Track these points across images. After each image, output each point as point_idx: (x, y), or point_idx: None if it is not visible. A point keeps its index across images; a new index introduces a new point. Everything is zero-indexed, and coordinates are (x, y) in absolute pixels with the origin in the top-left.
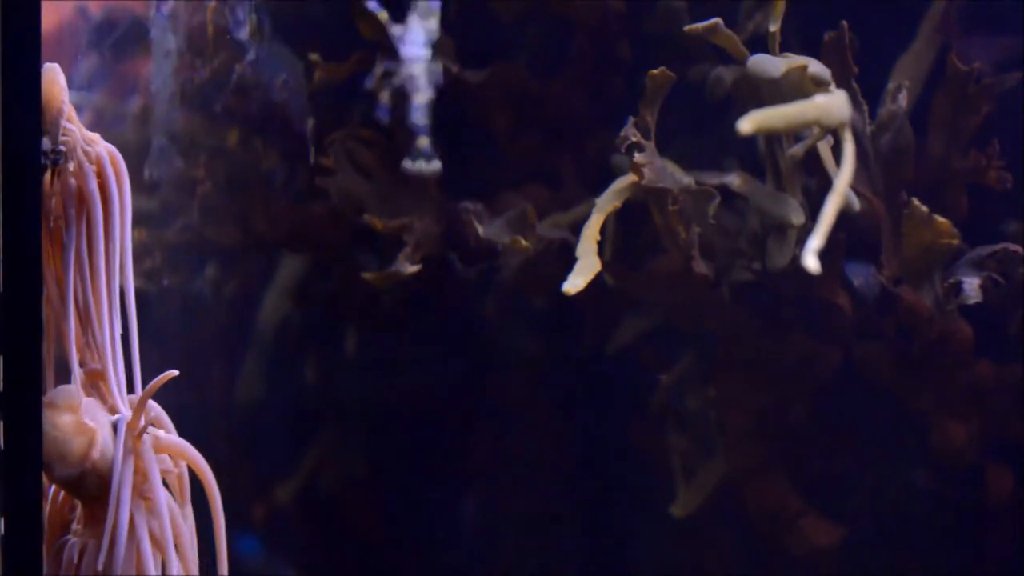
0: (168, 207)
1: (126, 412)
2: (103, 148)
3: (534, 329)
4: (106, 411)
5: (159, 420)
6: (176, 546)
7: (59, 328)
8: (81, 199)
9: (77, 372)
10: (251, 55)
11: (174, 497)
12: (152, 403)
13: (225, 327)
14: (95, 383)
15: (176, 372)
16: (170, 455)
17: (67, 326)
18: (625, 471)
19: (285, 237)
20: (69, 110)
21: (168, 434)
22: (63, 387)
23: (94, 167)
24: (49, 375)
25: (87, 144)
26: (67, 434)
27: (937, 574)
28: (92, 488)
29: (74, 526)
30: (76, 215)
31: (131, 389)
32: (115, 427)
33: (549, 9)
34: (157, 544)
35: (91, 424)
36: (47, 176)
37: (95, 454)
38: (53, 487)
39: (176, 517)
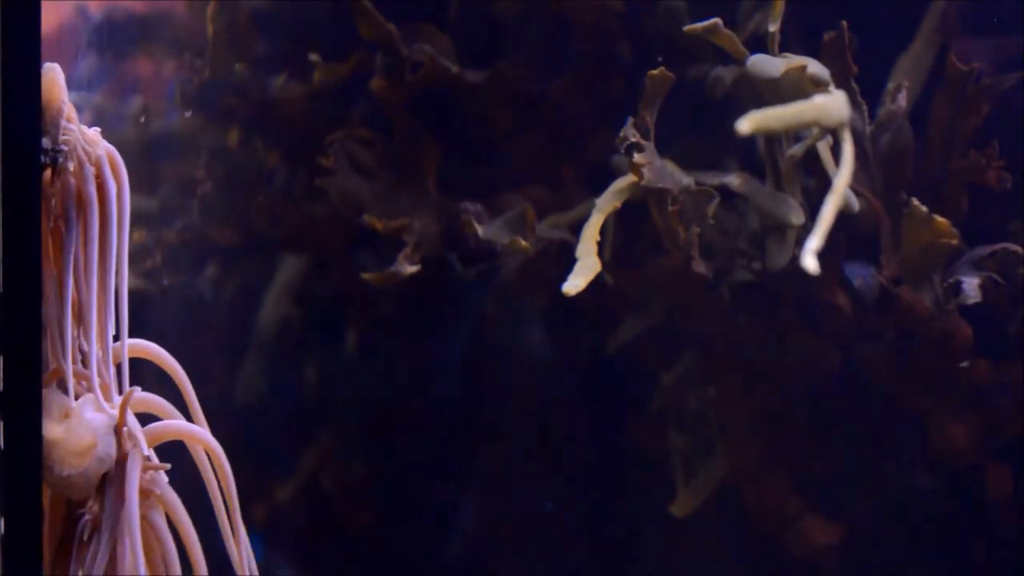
0: (168, 207)
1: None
2: (103, 149)
3: (534, 329)
4: (100, 414)
5: (162, 410)
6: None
7: (59, 329)
8: (81, 200)
9: (71, 375)
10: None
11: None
12: (153, 397)
13: (225, 327)
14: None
15: (138, 388)
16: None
17: (65, 327)
18: (625, 471)
19: (285, 237)
20: (69, 110)
21: (171, 421)
22: (54, 391)
23: (94, 169)
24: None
25: (88, 145)
26: (61, 439)
27: (937, 574)
28: (88, 491)
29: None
30: (76, 216)
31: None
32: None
33: (549, 9)
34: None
35: (87, 430)
36: (47, 176)
37: (93, 459)
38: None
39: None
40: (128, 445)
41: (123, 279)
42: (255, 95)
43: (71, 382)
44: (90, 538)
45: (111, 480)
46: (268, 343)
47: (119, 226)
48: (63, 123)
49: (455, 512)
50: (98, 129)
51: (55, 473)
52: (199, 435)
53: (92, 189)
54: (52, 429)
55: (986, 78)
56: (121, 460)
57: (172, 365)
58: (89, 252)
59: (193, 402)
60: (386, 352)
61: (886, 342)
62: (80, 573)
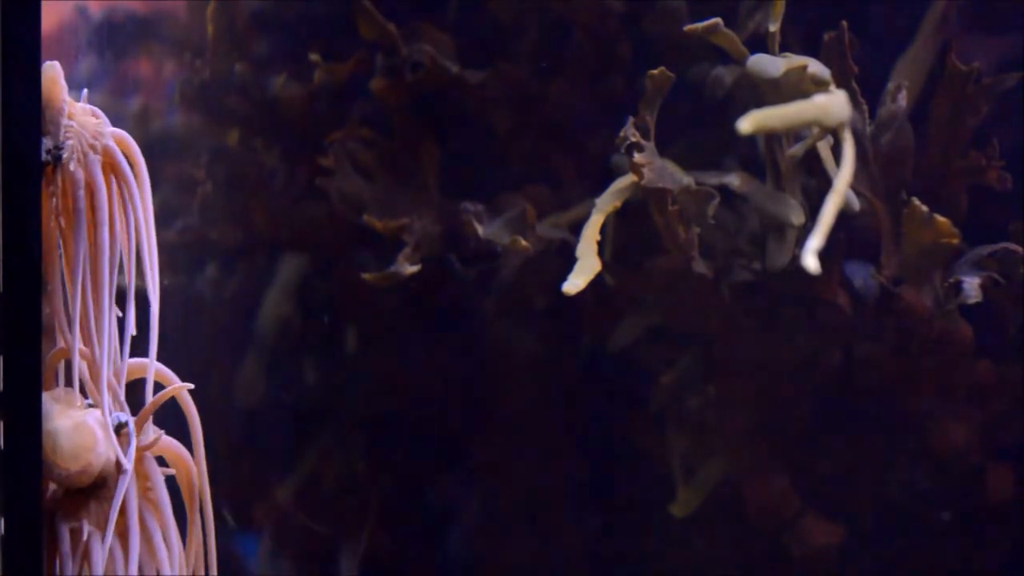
0: (168, 207)
1: (112, 414)
2: (109, 137)
3: (534, 329)
4: (99, 412)
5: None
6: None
7: (66, 324)
8: (90, 193)
9: (80, 373)
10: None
11: None
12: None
13: (225, 327)
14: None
15: (191, 386)
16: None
17: (73, 323)
18: (625, 471)
19: (285, 237)
20: (70, 107)
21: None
22: (62, 389)
23: (100, 157)
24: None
25: (93, 138)
26: (65, 435)
27: (937, 574)
28: (93, 485)
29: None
30: (86, 211)
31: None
32: (115, 430)
33: (549, 9)
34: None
35: (90, 428)
36: (50, 174)
37: (95, 457)
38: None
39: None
40: (129, 446)
41: (154, 260)
42: (255, 95)
43: (76, 375)
44: (89, 538)
45: (110, 480)
46: (268, 343)
47: (144, 207)
48: (64, 121)
49: (455, 512)
50: (100, 116)
51: (56, 471)
52: (186, 460)
53: (98, 174)
54: (56, 426)
55: (986, 78)
56: (141, 472)
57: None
58: (99, 245)
59: (196, 431)
60: (386, 352)
61: (886, 342)
62: (78, 573)
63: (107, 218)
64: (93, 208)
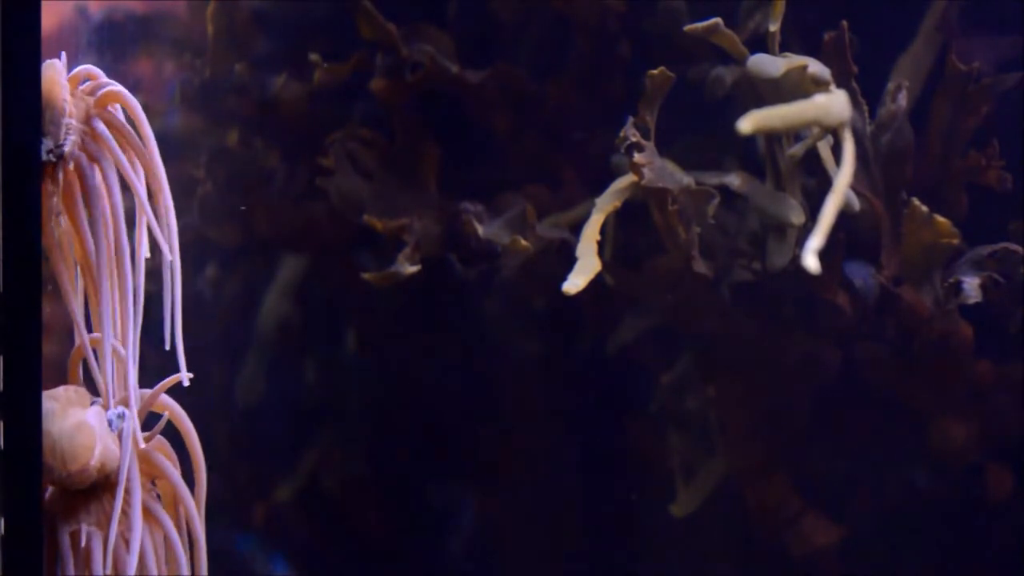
0: None
1: (114, 409)
2: (99, 123)
3: (534, 329)
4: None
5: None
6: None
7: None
8: (104, 179)
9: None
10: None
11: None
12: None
13: (225, 327)
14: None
15: (181, 377)
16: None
17: (105, 317)
18: (625, 471)
19: (285, 237)
20: (71, 107)
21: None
22: (63, 388)
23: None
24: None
25: (84, 123)
26: (64, 436)
27: (937, 574)
28: (93, 486)
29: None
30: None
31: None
32: (111, 423)
33: (549, 9)
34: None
35: (90, 428)
36: (51, 173)
37: (95, 457)
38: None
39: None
40: (130, 445)
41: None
42: (255, 95)
43: (96, 375)
44: (90, 539)
45: (112, 478)
46: (268, 343)
47: (149, 153)
48: (64, 120)
49: (455, 512)
50: (96, 74)
51: (56, 472)
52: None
53: (95, 182)
54: (55, 427)
55: (986, 78)
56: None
57: (182, 420)
58: (115, 203)
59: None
60: (386, 352)
61: (886, 342)
62: (81, 573)
63: (116, 180)
64: (104, 176)
